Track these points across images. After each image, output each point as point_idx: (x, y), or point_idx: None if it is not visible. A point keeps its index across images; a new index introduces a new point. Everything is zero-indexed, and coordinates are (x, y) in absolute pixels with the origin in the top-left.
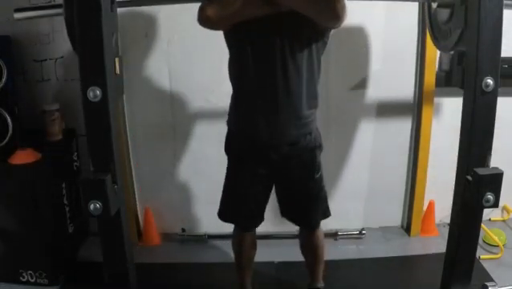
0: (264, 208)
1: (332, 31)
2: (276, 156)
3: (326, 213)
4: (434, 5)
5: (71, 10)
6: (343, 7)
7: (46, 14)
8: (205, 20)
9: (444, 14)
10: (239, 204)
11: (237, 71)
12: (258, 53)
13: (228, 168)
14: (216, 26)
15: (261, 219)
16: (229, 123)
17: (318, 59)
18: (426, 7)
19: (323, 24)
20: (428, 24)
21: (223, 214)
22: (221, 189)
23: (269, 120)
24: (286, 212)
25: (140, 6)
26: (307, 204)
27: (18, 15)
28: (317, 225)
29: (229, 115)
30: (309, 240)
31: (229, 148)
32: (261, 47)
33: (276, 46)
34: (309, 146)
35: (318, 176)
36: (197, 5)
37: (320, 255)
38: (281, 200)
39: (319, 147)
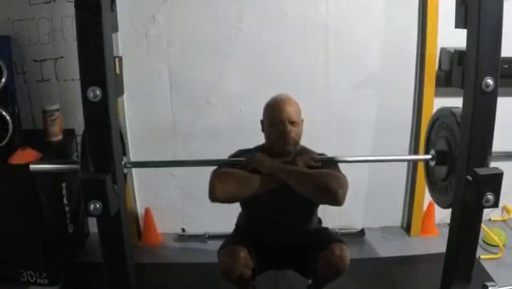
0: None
1: (332, 30)
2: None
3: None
4: (432, 163)
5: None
6: (345, 193)
7: (62, 169)
8: (216, 201)
9: (441, 171)
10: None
11: (245, 217)
12: (263, 214)
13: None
14: (227, 202)
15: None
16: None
17: (316, 210)
18: (424, 164)
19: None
20: (427, 180)
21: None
22: None
23: (274, 228)
24: (309, 262)
25: None
26: (316, 236)
27: (33, 167)
28: (336, 238)
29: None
30: (335, 252)
31: (236, 231)
32: (266, 211)
33: (280, 210)
34: (312, 234)
35: (317, 227)
36: (199, 5)
37: (338, 273)
38: (301, 264)
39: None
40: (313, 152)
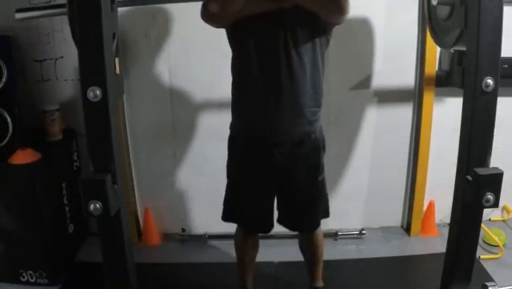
0: (271, 213)
1: (332, 30)
2: (280, 156)
3: (326, 213)
4: (434, 2)
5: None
6: (347, 2)
7: (49, 13)
8: (208, 17)
9: (444, 10)
10: (243, 206)
11: (240, 68)
12: (261, 49)
13: (230, 170)
14: (219, 23)
15: (269, 225)
16: (231, 126)
17: (322, 55)
18: (426, 4)
19: (326, 19)
20: (428, 21)
21: (227, 216)
22: (221, 189)
23: (272, 117)
24: (285, 216)
25: (141, 4)
26: (309, 206)
27: (19, 15)
28: (317, 226)
29: (232, 118)
30: (309, 239)
31: (232, 150)
32: (264, 43)
33: (279, 41)
34: (313, 146)
35: (321, 178)
36: (198, 4)
37: (319, 255)
38: (281, 204)
39: (323, 148)
40: None
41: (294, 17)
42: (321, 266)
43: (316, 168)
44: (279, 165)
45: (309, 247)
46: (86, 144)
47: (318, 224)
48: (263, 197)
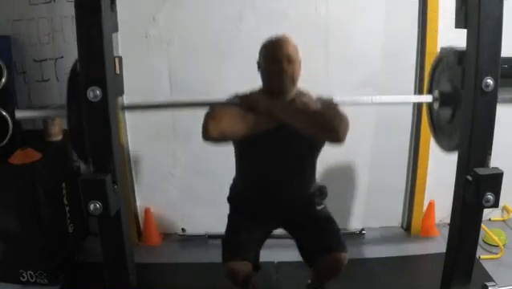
0: (259, 251)
1: (333, 31)
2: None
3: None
4: (436, 106)
5: (77, 114)
6: (346, 129)
7: (48, 114)
8: (209, 140)
9: (445, 113)
10: (239, 239)
11: (241, 166)
12: (259, 159)
13: (229, 219)
14: (220, 143)
15: (255, 260)
16: (232, 189)
17: (318, 153)
18: (427, 107)
19: (323, 141)
20: (430, 123)
21: (227, 256)
22: (221, 189)
23: (270, 203)
24: (306, 248)
25: (148, 109)
26: (319, 228)
27: (18, 114)
28: (340, 245)
29: (231, 189)
30: (331, 264)
31: (232, 202)
32: (262, 154)
33: (279, 155)
34: (309, 202)
35: (320, 208)
36: (198, 4)
37: (335, 276)
38: (297, 240)
39: (319, 196)
40: (311, 95)
41: (292, 134)
42: None
43: (311, 207)
44: (277, 217)
45: (330, 272)
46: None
47: (345, 244)
48: (257, 240)
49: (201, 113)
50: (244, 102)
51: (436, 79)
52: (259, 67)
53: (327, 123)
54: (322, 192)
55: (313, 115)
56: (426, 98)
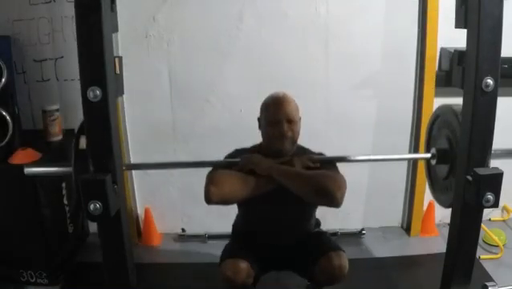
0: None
1: (332, 30)
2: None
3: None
4: (433, 162)
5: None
6: (343, 194)
7: (56, 172)
8: (211, 203)
9: (442, 170)
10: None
11: (243, 219)
12: (260, 216)
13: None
14: (222, 204)
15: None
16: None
17: (314, 212)
18: (425, 163)
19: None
20: (428, 178)
21: (226, 256)
22: None
23: (271, 245)
24: (307, 267)
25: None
26: (315, 237)
27: (27, 170)
28: (337, 246)
29: (233, 227)
30: (334, 261)
31: (233, 237)
32: (263, 212)
33: (278, 211)
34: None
35: (315, 230)
36: (198, 5)
37: (342, 277)
38: (298, 265)
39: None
40: (311, 152)
41: (291, 195)
42: None
43: (317, 246)
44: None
45: (330, 275)
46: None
47: (335, 244)
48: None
49: (201, 113)
50: (244, 166)
51: (433, 137)
52: (260, 123)
53: (325, 188)
54: (317, 223)
55: (311, 180)
56: (424, 155)
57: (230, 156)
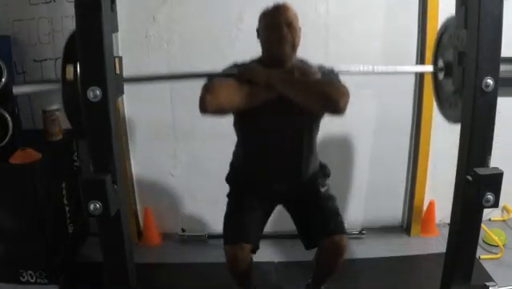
0: (261, 232)
1: (333, 30)
2: (280, 194)
3: (342, 226)
4: (440, 76)
5: (72, 89)
6: (346, 101)
7: (44, 89)
8: (206, 113)
9: (450, 84)
10: (242, 222)
11: (241, 140)
12: (259, 131)
13: (230, 198)
14: (218, 115)
15: (256, 240)
16: (232, 165)
17: (317, 127)
18: (432, 78)
19: (323, 114)
20: (435, 94)
21: (229, 239)
22: (221, 189)
23: (272, 181)
24: (306, 232)
25: (147, 82)
26: (322, 207)
27: (16, 90)
28: (339, 228)
29: (231, 165)
30: (336, 245)
31: (231, 181)
32: (262, 127)
33: (277, 125)
34: (312, 181)
35: (324, 190)
36: (199, 5)
37: (338, 265)
38: (298, 223)
39: (322, 177)
40: (311, 64)
41: (290, 106)
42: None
43: (314, 186)
44: (279, 195)
45: (333, 256)
46: (86, 144)
47: (344, 226)
48: (259, 218)
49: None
50: (242, 75)
51: (441, 50)
52: (258, 34)
53: (327, 94)
54: (324, 171)
55: (312, 86)
56: (430, 68)
57: (227, 69)
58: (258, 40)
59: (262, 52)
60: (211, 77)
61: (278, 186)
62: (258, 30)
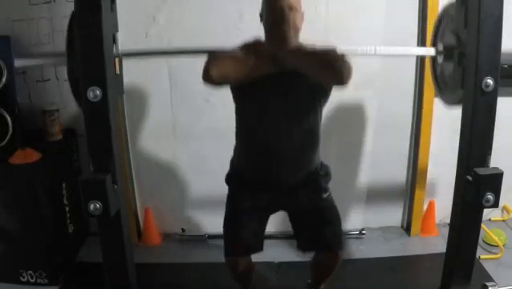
0: (262, 235)
1: (333, 30)
2: (281, 194)
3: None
4: (440, 60)
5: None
6: (350, 71)
7: (47, 63)
8: (209, 81)
9: (450, 67)
10: (241, 233)
11: (242, 124)
12: (261, 109)
13: (229, 202)
14: (221, 86)
15: (259, 247)
16: (232, 162)
17: (321, 111)
18: (431, 62)
19: (327, 85)
20: (434, 78)
21: (230, 252)
22: (221, 189)
23: (272, 172)
24: (303, 239)
25: (146, 56)
26: (323, 218)
27: (17, 62)
28: (339, 243)
29: (233, 155)
30: (327, 261)
31: (231, 182)
32: (265, 103)
33: (280, 105)
34: (313, 180)
35: (326, 196)
36: (199, 5)
37: (334, 271)
38: (296, 228)
39: (324, 176)
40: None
41: (294, 80)
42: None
43: (316, 189)
44: (279, 195)
45: (329, 268)
46: (86, 144)
47: (343, 241)
48: (258, 222)
49: (201, 113)
50: (248, 47)
51: (440, 33)
52: (262, 18)
53: (331, 64)
54: (326, 171)
55: (317, 56)
56: (430, 50)
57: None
58: (262, 24)
59: (266, 36)
60: (215, 51)
61: (277, 179)
62: (261, 15)
